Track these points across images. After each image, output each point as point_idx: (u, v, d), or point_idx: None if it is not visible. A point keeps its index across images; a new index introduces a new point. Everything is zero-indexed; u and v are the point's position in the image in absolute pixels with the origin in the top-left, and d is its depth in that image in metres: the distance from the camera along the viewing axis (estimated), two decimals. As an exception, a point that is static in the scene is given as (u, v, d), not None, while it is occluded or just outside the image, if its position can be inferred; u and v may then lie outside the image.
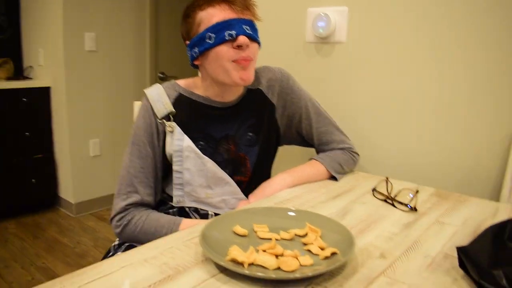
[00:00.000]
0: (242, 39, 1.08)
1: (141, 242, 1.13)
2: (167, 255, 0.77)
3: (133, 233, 1.13)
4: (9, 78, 3.24)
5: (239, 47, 1.09)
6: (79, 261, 2.62)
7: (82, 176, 3.32)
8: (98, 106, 3.35)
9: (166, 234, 1.08)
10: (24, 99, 3.13)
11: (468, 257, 0.69)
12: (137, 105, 1.40)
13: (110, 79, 3.38)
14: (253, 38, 1.12)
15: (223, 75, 1.12)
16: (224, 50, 1.09)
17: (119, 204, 1.14)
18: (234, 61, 1.10)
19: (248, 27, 1.10)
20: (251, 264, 0.71)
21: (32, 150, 3.23)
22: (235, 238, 0.83)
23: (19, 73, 3.45)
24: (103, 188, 3.46)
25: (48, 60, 3.29)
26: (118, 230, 1.14)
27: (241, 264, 0.70)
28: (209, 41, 1.09)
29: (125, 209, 1.14)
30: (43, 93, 3.27)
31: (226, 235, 0.83)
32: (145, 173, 1.16)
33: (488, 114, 1.27)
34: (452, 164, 1.35)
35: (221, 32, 1.08)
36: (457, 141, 1.33)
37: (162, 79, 3.57)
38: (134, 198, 1.14)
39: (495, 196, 1.26)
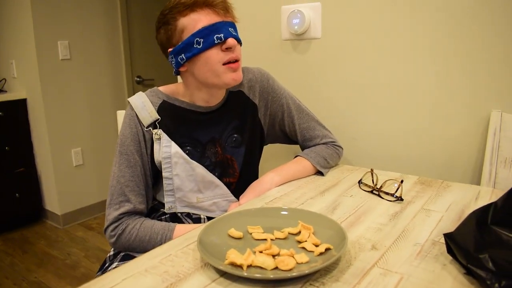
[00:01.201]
0: (231, 41, 1.11)
1: (136, 250, 1.14)
2: (166, 264, 0.79)
3: (128, 242, 1.13)
4: (-17, 93, 3.19)
5: (228, 49, 1.11)
6: (71, 272, 2.61)
7: (67, 187, 3.30)
8: (77, 115, 3.32)
9: (161, 240, 1.11)
10: (0, 113, 3.09)
11: (455, 243, 0.72)
12: (120, 114, 1.41)
13: (86, 87, 3.36)
14: (238, 39, 1.15)
15: (214, 78, 1.14)
16: (214, 54, 1.11)
17: (112, 214, 1.15)
18: (224, 64, 1.12)
19: (232, 29, 1.13)
20: (249, 266, 0.73)
21: (13, 164, 3.20)
22: (231, 241, 0.85)
23: (-8, 87, 3.40)
24: (88, 197, 3.45)
25: (21, 72, 3.25)
26: (113, 240, 1.15)
27: (239, 266, 0.73)
28: (198, 46, 1.10)
29: (119, 218, 1.14)
30: (20, 106, 3.23)
31: (222, 239, 0.85)
32: (135, 182, 1.17)
33: (464, 100, 1.31)
34: (433, 151, 1.39)
35: (209, 36, 1.09)
36: (436, 128, 1.38)
37: (139, 82, 3.55)
38: (127, 207, 1.15)
39: (476, 179, 1.31)
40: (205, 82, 1.16)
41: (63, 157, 3.26)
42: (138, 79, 3.55)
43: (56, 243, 3.04)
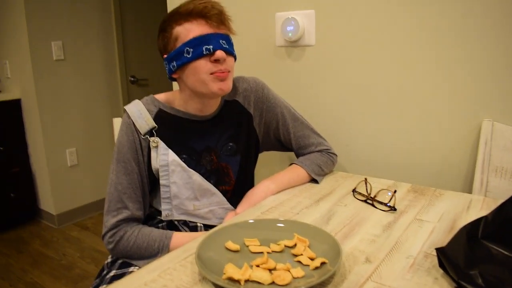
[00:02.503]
0: (220, 53, 1.11)
1: (134, 257, 1.16)
2: (165, 277, 0.81)
3: (125, 249, 1.15)
4: (-23, 94, 3.18)
5: (216, 61, 1.12)
6: (67, 273, 2.62)
7: (61, 187, 3.30)
8: (71, 115, 3.32)
9: (158, 247, 1.12)
10: (-5, 114, 3.09)
11: (446, 258, 0.74)
12: (116, 122, 1.42)
13: (80, 87, 3.35)
14: (230, 52, 1.16)
15: (202, 87, 1.15)
16: (202, 64, 1.12)
17: (110, 221, 1.16)
18: (212, 73, 1.13)
19: (224, 42, 1.14)
20: (247, 281, 0.75)
21: (8, 164, 3.20)
22: (228, 254, 0.86)
23: (-14, 87, 3.39)
24: (83, 197, 3.45)
25: (15, 72, 3.24)
26: (111, 246, 1.16)
27: (237, 281, 0.74)
28: (187, 55, 1.12)
29: (117, 225, 1.16)
30: (14, 106, 3.23)
31: (220, 252, 0.87)
32: (133, 189, 1.18)
33: (456, 109, 1.33)
34: (426, 159, 1.41)
35: (198, 47, 1.11)
36: (429, 136, 1.40)
37: (134, 82, 3.55)
38: (125, 214, 1.17)
39: (468, 187, 1.33)
40: (194, 91, 1.18)
41: (58, 157, 3.26)
42: (132, 79, 3.55)
43: (51, 243, 3.04)
